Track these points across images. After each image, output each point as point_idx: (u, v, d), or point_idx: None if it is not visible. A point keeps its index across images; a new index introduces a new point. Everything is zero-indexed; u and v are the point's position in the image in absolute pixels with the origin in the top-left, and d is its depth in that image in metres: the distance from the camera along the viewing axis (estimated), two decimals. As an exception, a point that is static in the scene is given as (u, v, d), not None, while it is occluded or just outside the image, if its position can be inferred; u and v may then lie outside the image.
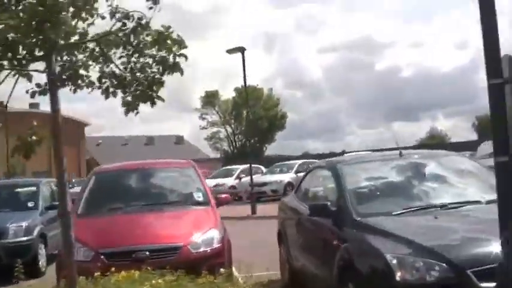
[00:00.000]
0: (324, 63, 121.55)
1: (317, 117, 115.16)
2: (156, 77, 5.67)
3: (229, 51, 29.15)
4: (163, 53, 5.54)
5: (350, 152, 38.12)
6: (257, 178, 34.44)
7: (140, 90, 5.74)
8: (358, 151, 43.58)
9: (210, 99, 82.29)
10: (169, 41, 5.63)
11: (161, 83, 5.72)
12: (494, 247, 5.27)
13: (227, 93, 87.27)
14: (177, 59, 5.54)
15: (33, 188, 15.76)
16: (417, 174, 8.10)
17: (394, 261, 5.94)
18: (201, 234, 9.23)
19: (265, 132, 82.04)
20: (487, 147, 29.18)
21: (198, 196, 10.69)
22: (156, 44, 5.53)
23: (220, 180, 37.85)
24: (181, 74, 5.72)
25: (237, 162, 46.02)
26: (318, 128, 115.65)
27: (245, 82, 29.26)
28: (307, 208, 8.21)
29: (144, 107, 5.96)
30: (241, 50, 28.54)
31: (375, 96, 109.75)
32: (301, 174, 30.66)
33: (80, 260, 8.37)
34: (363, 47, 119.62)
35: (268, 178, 36.42)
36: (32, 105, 75.72)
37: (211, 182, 31.96)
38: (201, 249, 9.05)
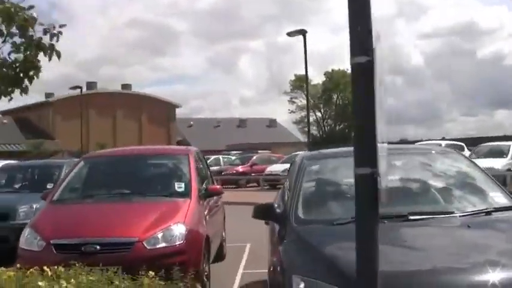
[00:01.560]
0: (425, 50, 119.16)
1: (417, 104, 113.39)
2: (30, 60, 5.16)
3: (290, 34, 28.59)
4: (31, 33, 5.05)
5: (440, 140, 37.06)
6: None
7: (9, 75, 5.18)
8: (443, 139, 42.85)
9: (300, 83, 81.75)
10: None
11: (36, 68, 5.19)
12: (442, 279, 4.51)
13: (318, 78, 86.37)
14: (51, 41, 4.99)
15: (56, 169, 15.32)
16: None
17: (301, 286, 4.89)
18: (162, 229, 8.48)
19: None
20: None
21: (180, 187, 9.87)
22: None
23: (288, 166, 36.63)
24: (58, 57, 5.22)
25: (323, 147, 45.00)
26: (418, 114, 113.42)
27: (306, 65, 28.97)
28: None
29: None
30: (303, 32, 28.22)
31: (477, 83, 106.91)
32: None
33: (33, 249, 8.45)
34: (465, 33, 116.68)
35: None
36: (124, 86, 77.39)
37: (280, 167, 31.84)
38: (159, 246, 8.30)
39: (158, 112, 77.78)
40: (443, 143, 33.43)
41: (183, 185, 9.84)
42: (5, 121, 71.94)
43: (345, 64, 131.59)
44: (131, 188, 10.03)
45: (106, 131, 72.30)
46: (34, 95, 56.40)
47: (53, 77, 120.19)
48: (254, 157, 43.66)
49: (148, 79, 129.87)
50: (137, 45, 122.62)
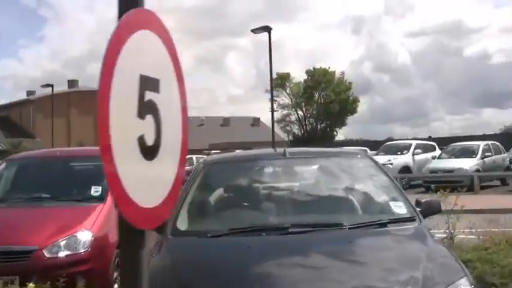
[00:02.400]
0: (412, 48, 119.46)
1: (404, 102, 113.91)
2: None
3: (255, 31, 28.39)
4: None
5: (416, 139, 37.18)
6: None
7: None
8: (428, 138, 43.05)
9: (281, 81, 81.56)
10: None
11: None
12: None
13: (300, 76, 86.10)
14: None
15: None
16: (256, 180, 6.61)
17: None
18: (66, 236, 7.97)
19: (336, 116, 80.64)
20: None
21: (96, 191, 9.18)
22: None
23: None
24: None
25: (305, 145, 45.06)
26: (404, 112, 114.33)
27: (271, 61, 28.69)
28: None
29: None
30: (267, 29, 27.81)
31: (464, 82, 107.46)
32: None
33: None
34: (452, 32, 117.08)
35: None
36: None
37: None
38: (60, 254, 7.80)
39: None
40: (414, 142, 33.55)
41: (100, 188, 9.13)
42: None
43: (329, 62, 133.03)
44: (48, 192, 9.44)
45: (88, 130, 71.90)
46: (17, 93, 56.07)
47: (40, 74, 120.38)
48: None
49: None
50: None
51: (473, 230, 10.22)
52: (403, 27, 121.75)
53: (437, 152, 31.72)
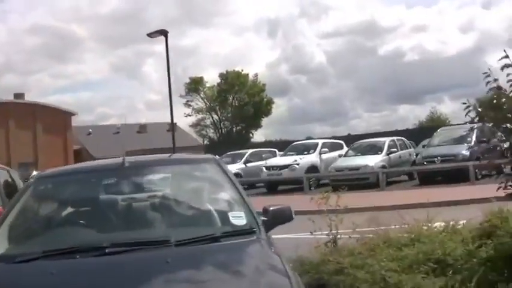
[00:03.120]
0: (328, 49, 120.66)
1: (322, 102, 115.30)
2: None
3: (151, 35, 28.12)
4: None
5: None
6: None
7: None
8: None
9: (195, 85, 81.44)
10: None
11: None
12: None
13: (213, 79, 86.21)
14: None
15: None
16: (125, 193, 5.96)
17: None
18: None
19: (252, 118, 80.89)
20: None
21: None
22: None
23: None
24: None
25: (221, 149, 44.95)
26: (323, 112, 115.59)
27: (168, 65, 28.01)
28: None
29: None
30: (164, 33, 27.58)
31: (380, 80, 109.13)
32: (251, 164, 30.98)
33: None
34: (366, 32, 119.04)
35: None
36: (16, 95, 75.45)
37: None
38: None
39: (53, 121, 75.89)
40: (320, 141, 33.80)
41: None
42: None
43: (246, 65, 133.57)
44: None
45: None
46: None
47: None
48: None
49: (51, 87, 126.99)
50: (38, 52, 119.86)
51: (358, 230, 10.20)
52: (318, 29, 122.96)
53: (345, 150, 31.91)
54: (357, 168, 27.76)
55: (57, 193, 6.20)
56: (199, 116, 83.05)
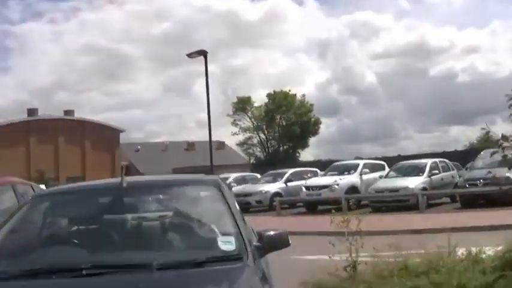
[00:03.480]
0: (378, 70, 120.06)
1: (373, 122, 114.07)
2: None
3: (190, 55, 27.93)
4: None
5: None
6: (243, 188, 34.02)
7: None
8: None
9: (242, 105, 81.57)
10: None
11: None
12: None
13: (262, 99, 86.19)
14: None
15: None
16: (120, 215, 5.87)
17: None
18: None
19: (299, 137, 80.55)
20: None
21: None
22: None
23: None
24: None
25: (268, 168, 44.63)
26: (374, 133, 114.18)
27: (207, 84, 27.92)
28: None
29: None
30: (203, 53, 27.38)
31: (431, 101, 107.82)
32: (292, 184, 30.58)
33: None
34: (417, 53, 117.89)
35: (254, 188, 34.93)
36: (66, 112, 76.61)
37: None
38: None
39: (102, 137, 76.84)
40: (362, 162, 33.33)
41: None
42: None
43: (295, 86, 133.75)
44: None
45: (48, 158, 71.32)
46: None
47: (7, 103, 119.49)
48: None
49: (102, 105, 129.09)
50: (91, 71, 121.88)
51: (381, 254, 9.89)
52: (368, 50, 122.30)
53: (387, 171, 31.31)
54: (396, 190, 27.16)
55: (50, 212, 6.08)
56: (247, 134, 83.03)
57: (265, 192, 33.08)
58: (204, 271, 4.64)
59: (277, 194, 32.73)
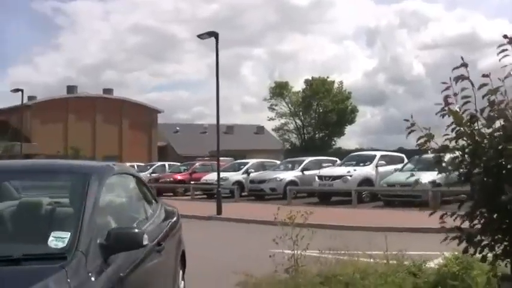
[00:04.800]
0: (427, 60, 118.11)
1: (419, 113, 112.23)
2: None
3: (201, 36, 27.20)
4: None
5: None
6: (258, 174, 33.20)
7: None
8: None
9: (279, 89, 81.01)
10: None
11: None
12: None
13: (300, 85, 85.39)
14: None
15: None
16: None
17: None
18: None
19: (335, 125, 79.96)
20: None
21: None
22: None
23: (227, 174, 35.08)
24: None
25: (302, 154, 43.96)
26: (420, 124, 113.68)
27: (217, 67, 26.88)
28: None
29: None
30: (214, 34, 26.54)
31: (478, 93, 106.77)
32: (309, 172, 29.52)
33: None
34: (466, 44, 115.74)
35: (268, 175, 33.85)
36: (105, 91, 77.01)
37: (214, 176, 30.64)
38: None
39: (140, 117, 77.14)
40: (379, 153, 32.29)
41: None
42: (-17, 124, 71.82)
43: (342, 73, 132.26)
44: None
45: (85, 136, 71.86)
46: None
47: (56, 81, 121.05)
48: (196, 164, 42.34)
49: (149, 85, 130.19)
50: (139, 51, 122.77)
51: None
52: (417, 40, 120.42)
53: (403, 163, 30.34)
54: (408, 185, 26.18)
55: None
56: (283, 120, 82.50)
57: (280, 180, 32.22)
58: (15, 269, 4.23)
59: (292, 182, 31.77)
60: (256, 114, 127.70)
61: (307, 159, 34.98)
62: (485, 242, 5.83)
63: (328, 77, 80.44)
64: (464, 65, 5.85)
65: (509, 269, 5.85)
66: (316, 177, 29.91)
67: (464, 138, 5.91)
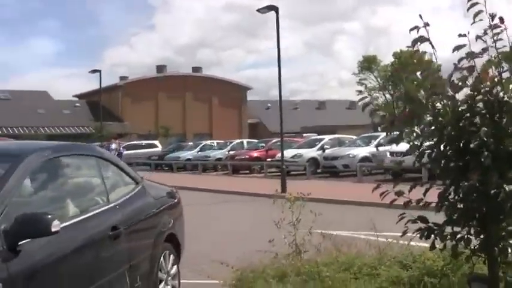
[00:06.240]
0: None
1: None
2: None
3: (260, 10, 26.48)
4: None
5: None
6: (332, 151, 32.27)
7: None
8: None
9: (368, 64, 79.66)
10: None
11: None
12: None
13: (388, 59, 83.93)
14: None
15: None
16: None
17: None
18: None
19: (425, 99, 77.65)
20: None
21: None
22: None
23: (301, 151, 34.32)
24: None
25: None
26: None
27: (278, 42, 26.28)
28: None
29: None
30: (274, 8, 25.76)
31: None
32: (383, 148, 28.29)
33: None
34: None
35: (341, 151, 32.57)
36: (194, 69, 77.76)
37: (289, 153, 30.20)
38: None
39: (229, 95, 77.49)
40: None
41: None
42: (77, 104, 73.85)
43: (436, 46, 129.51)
44: None
45: (175, 114, 72.78)
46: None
47: (153, 61, 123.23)
48: (273, 141, 41.57)
49: (244, 62, 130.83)
50: (233, 28, 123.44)
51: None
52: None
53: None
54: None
55: None
56: (373, 94, 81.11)
57: (353, 157, 30.94)
58: None
59: (365, 158, 30.65)
60: (352, 88, 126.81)
61: (383, 134, 33.77)
62: (459, 235, 4.99)
63: (417, 50, 78.34)
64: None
65: (487, 266, 5.09)
66: (388, 153, 28.74)
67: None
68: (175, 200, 8.40)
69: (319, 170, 32.51)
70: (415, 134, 5.37)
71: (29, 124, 64.11)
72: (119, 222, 6.11)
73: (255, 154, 38.28)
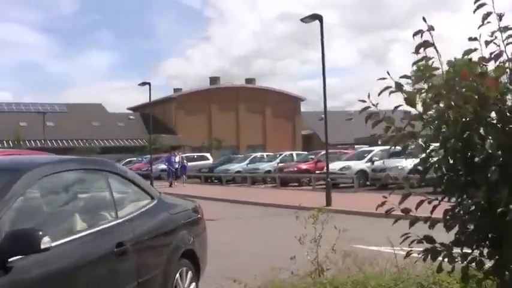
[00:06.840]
0: None
1: None
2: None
3: (304, 20, 25.98)
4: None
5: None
6: (381, 163, 31.81)
7: None
8: None
9: (422, 73, 78.70)
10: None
11: None
12: None
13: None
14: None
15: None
16: None
17: None
18: None
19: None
20: None
21: None
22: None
23: (350, 163, 33.98)
24: None
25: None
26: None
27: (323, 50, 25.58)
28: None
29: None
30: (318, 17, 25.24)
31: None
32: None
33: None
34: None
35: (390, 163, 31.53)
36: (247, 80, 77.97)
37: (338, 165, 29.99)
38: None
39: (282, 106, 77.33)
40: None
41: None
42: (131, 117, 74.55)
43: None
44: None
45: (228, 126, 72.95)
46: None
47: (208, 73, 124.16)
48: (322, 153, 40.90)
49: (299, 72, 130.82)
50: (287, 38, 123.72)
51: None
52: None
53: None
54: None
55: None
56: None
57: (401, 169, 30.28)
58: None
59: (414, 170, 29.60)
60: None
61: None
62: (470, 257, 4.46)
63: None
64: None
65: None
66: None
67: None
68: (198, 215, 8.17)
69: (368, 183, 32.15)
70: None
71: (83, 137, 64.97)
72: (127, 238, 5.92)
73: (304, 166, 37.68)
